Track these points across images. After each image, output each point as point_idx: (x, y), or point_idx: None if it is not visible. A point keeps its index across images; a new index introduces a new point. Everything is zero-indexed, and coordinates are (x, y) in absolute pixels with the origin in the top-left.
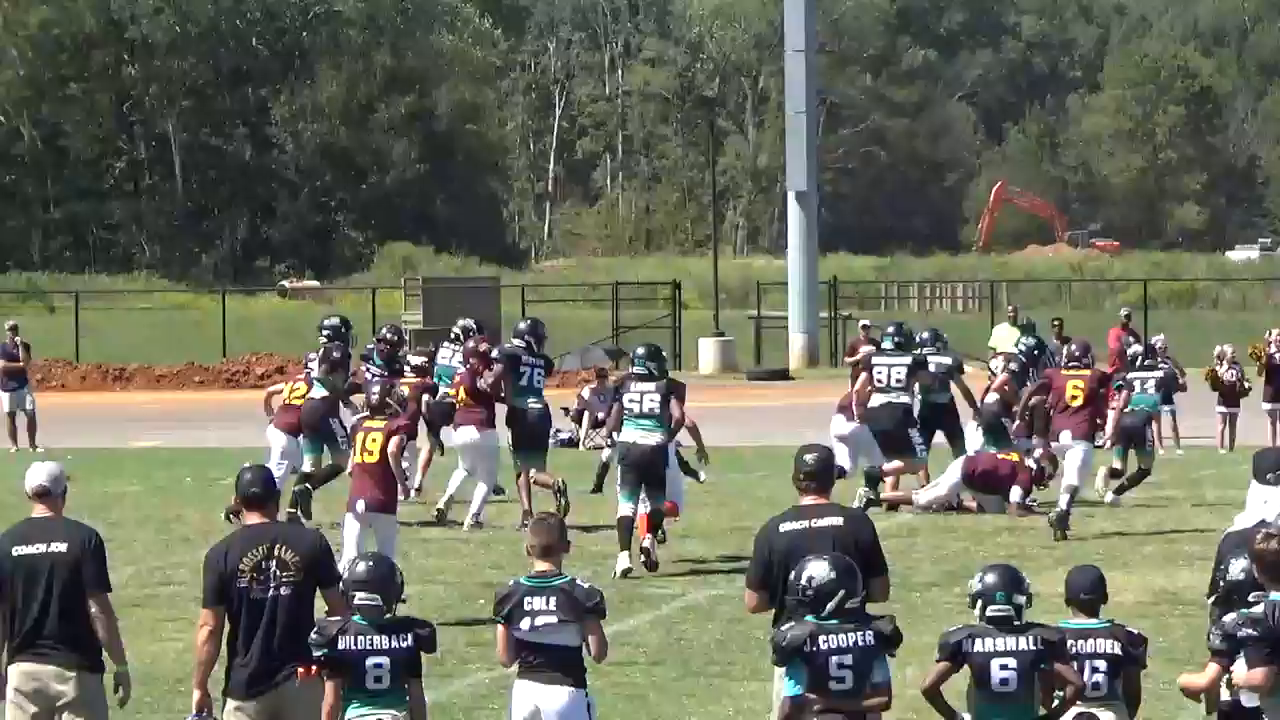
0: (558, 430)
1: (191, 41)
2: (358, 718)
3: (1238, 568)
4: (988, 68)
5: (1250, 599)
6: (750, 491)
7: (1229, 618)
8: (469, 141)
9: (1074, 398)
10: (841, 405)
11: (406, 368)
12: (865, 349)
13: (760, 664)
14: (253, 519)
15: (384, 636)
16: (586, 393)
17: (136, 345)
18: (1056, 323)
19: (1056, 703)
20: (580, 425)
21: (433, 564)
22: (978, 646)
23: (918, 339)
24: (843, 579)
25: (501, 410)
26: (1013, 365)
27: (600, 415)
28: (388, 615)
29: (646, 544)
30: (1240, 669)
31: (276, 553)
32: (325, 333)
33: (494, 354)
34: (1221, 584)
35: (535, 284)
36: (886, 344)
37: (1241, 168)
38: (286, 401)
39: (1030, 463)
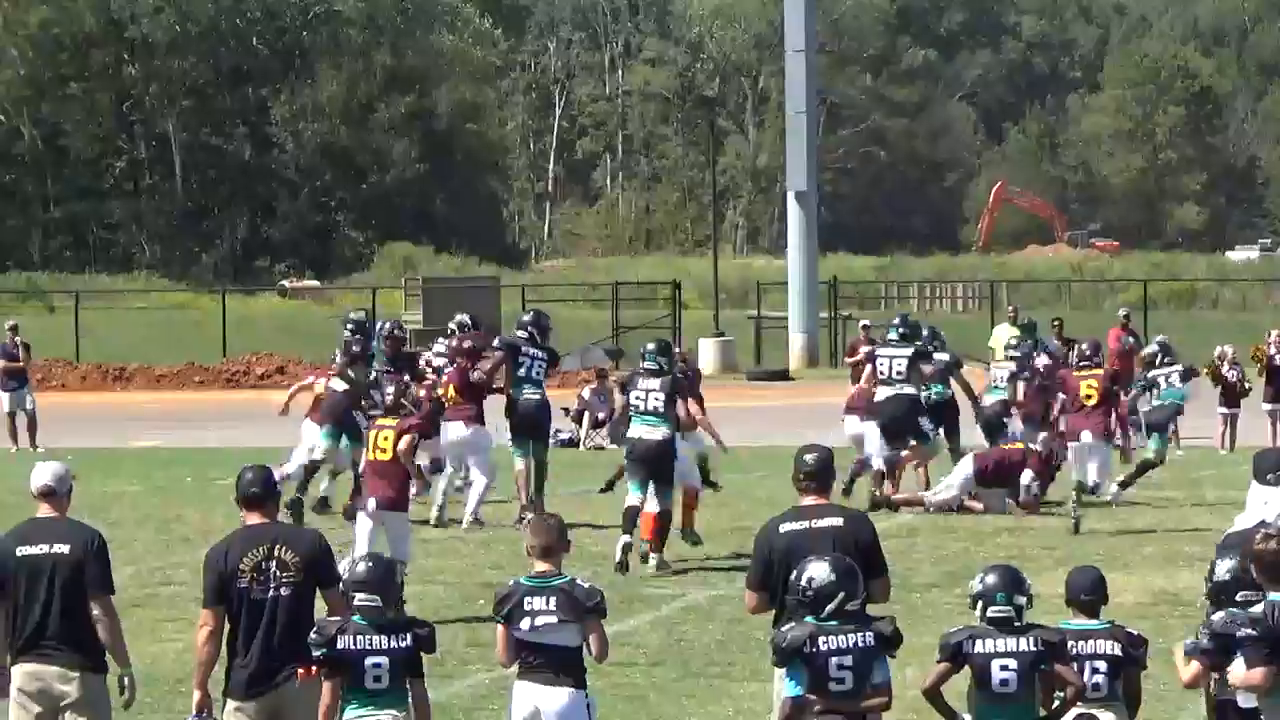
0: (558, 430)
1: (191, 41)
2: (357, 718)
3: (1224, 568)
4: (988, 68)
5: (1238, 599)
6: (750, 492)
7: (1216, 617)
8: (469, 141)
9: (1088, 397)
10: (851, 406)
11: (428, 370)
12: (865, 349)
13: (760, 665)
14: (252, 519)
15: (383, 636)
16: (587, 393)
17: (136, 345)
18: (1056, 323)
19: (1057, 704)
20: (580, 425)
21: (432, 564)
22: (978, 647)
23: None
24: (843, 581)
25: (498, 404)
26: (1024, 377)
27: (600, 415)
28: (388, 615)
29: (646, 549)
30: (1238, 668)
31: (277, 553)
32: (349, 326)
33: (494, 343)
34: (1208, 584)
35: (535, 284)
36: (891, 335)
37: (1241, 168)
38: (319, 395)
39: (1037, 446)
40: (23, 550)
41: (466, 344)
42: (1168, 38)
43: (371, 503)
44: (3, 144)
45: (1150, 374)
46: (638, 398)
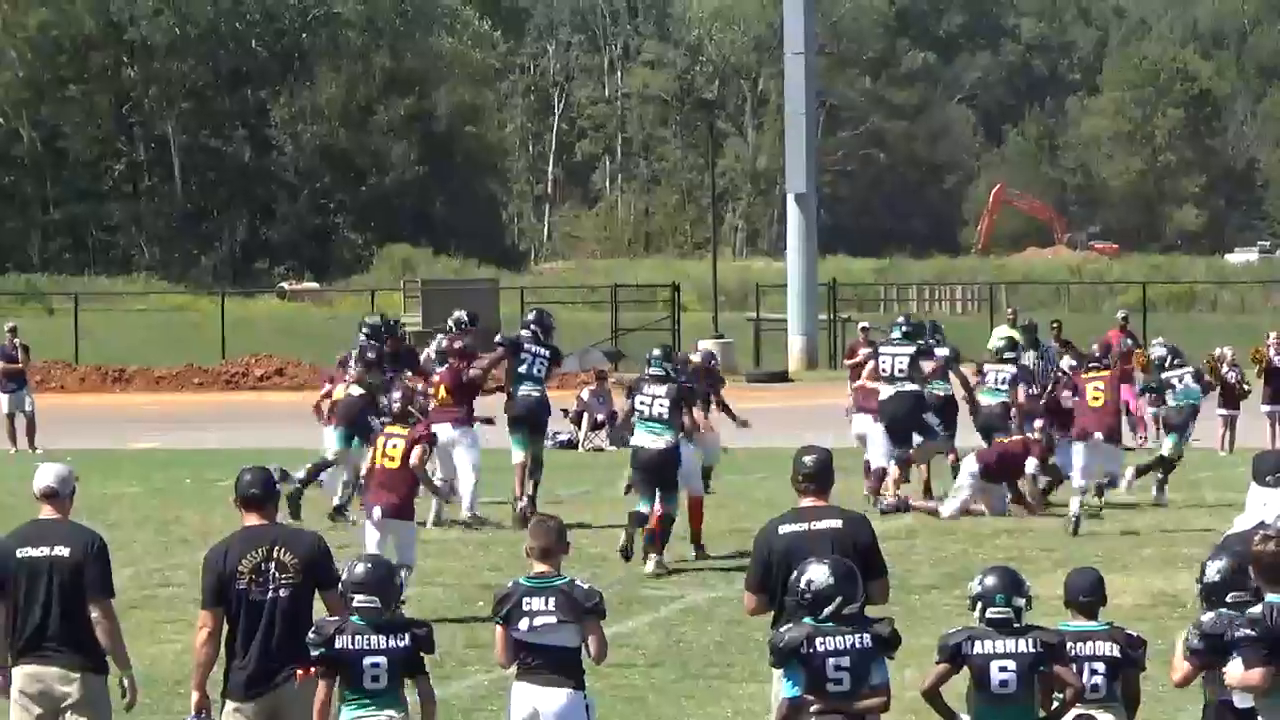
0: (557, 432)
1: (191, 43)
2: (356, 719)
3: (1214, 569)
4: (987, 70)
5: (1228, 600)
6: (749, 493)
7: (1206, 618)
8: (468, 143)
9: (1095, 399)
10: (861, 406)
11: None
12: (864, 351)
13: (759, 666)
14: (251, 521)
15: (381, 636)
16: (586, 394)
17: (135, 347)
18: (1055, 325)
19: (1056, 705)
20: (579, 427)
21: (431, 565)
22: (977, 648)
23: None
24: (841, 584)
25: (494, 403)
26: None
27: (599, 417)
28: (386, 616)
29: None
30: (1236, 668)
31: (275, 555)
32: (365, 331)
33: (495, 340)
34: (1199, 585)
35: (534, 286)
36: (895, 333)
37: (1240, 170)
38: (336, 400)
39: (1036, 435)
40: (23, 552)
41: (458, 344)
42: (1167, 40)
43: (377, 511)
44: (2, 146)
45: (1162, 375)
46: (643, 403)
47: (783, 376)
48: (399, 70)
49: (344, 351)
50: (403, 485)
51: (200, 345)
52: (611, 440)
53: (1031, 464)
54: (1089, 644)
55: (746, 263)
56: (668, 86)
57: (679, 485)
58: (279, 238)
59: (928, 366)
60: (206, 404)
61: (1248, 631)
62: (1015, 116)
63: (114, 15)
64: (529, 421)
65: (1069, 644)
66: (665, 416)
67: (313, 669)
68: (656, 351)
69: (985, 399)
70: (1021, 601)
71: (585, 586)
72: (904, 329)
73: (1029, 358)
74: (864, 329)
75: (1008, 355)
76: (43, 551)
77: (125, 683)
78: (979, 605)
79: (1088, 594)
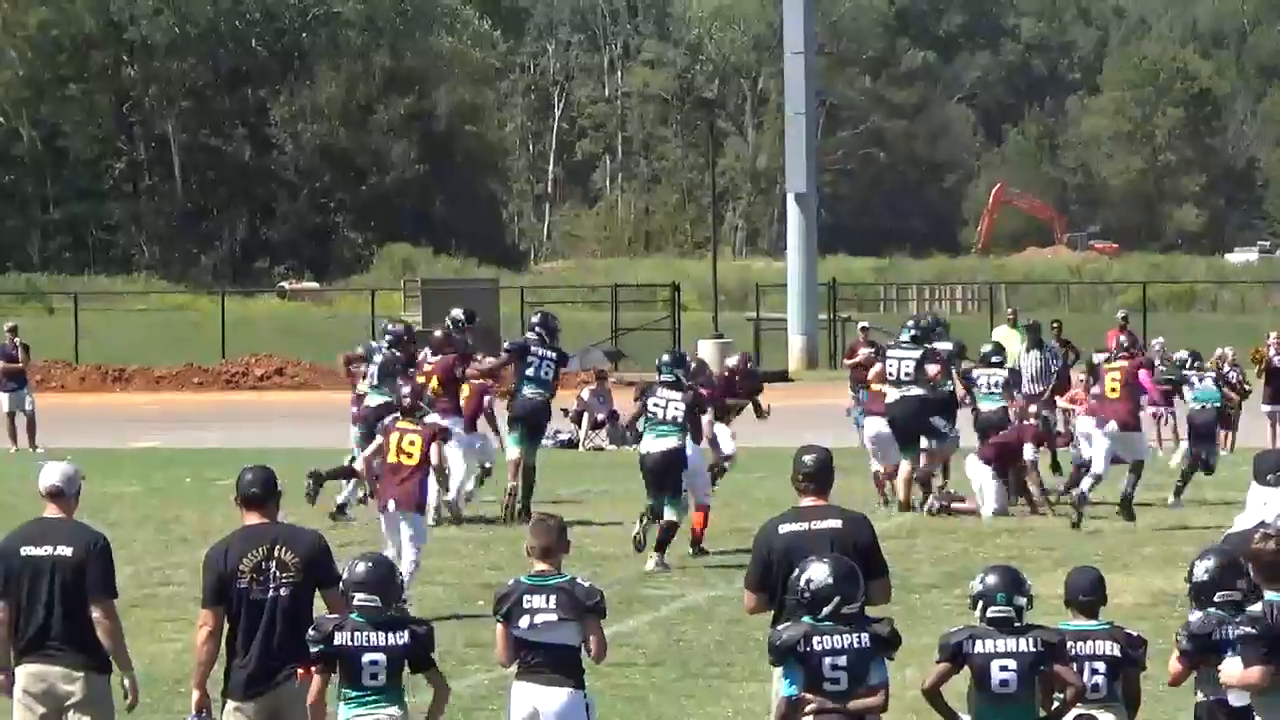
0: (557, 431)
1: (191, 42)
2: (353, 716)
3: (1202, 568)
4: (987, 69)
5: (1216, 599)
6: (749, 492)
7: (1194, 618)
8: (468, 143)
9: (1112, 389)
10: (869, 410)
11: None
12: (864, 351)
13: (759, 665)
14: (252, 519)
15: (380, 633)
16: (586, 394)
17: (135, 346)
18: (1056, 324)
19: (1056, 704)
20: (580, 426)
21: (431, 564)
22: (978, 648)
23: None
24: (840, 584)
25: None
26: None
27: (599, 416)
28: (386, 614)
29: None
30: (1233, 666)
31: (276, 553)
32: (388, 338)
33: (505, 346)
34: (1188, 584)
35: (534, 285)
36: (903, 336)
37: (1240, 170)
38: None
39: (1032, 420)
40: (26, 550)
41: (449, 356)
42: (1167, 40)
43: (391, 504)
44: (2, 145)
45: (1183, 372)
46: (656, 405)
47: (783, 376)
48: (399, 69)
49: (361, 348)
50: (416, 479)
51: (200, 345)
52: (612, 439)
53: (1029, 450)
54: (1089, 643)
55: (746, 262)
56: (668, 86)
57: (687, 488)
58: (279, 237)
59: (932, 370)
60: (206, 403)
61: (1248, 629)
62: (1015, 116)
63: (114, 14)
64: (528, 422)
65: (1069, 643)
66: (680, 419)
67: (313, 667)
68: (666, 358)
69: (982, 405)
70: (1022, 601)
71: (586, 585)
72: (912, 332)
73: (1033, 357)
74: (864, 328)
75: (995, 360)
76: (46, 551)
77: (126, 683)
78: (980, 604)
79: (1088, 593)
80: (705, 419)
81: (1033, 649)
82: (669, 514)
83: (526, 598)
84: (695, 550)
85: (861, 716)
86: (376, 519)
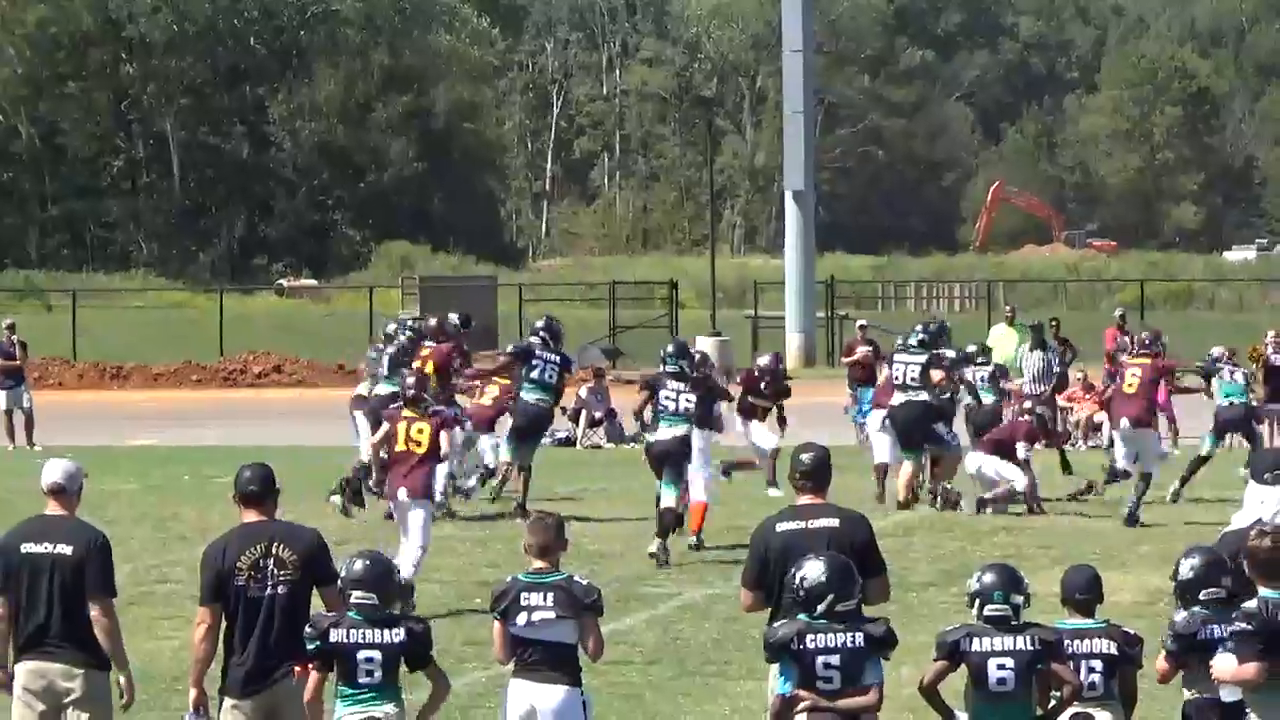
0: (554, 429)
1: (189, 40)
2: (348, 714)
3: (1187, 566)
4: (985, 68)
5: (1201, 597)
6: (746, 490)
7: (1179, 618)
8: (467, 140)
9: (1130, 385)
10: (877, 402)
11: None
12: (862, 349)
13: (756, 663)
14: (250, 517)
15: (376, 630)
16: (584, 392)
17: (133, 344)
18: (1054, 323)
19: (1053, 703)
20: (577, 424)
21: (429, 562)
22: (975, 646)
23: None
24: (834, 582)
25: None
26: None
27: (597, 414)
28: (384, 612)
29: (655, 547)
30: (1226, 662)
31: (274, 551)
32: (409, 331)
33: (508, 349)
34: (1173, 583)
35: (532, 283)
36: (912, 340)
37: (1238, 168)
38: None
39: (1027, 416)
40: (26, 548)
41: (446, 344)
42: (1165, 38)
43: (402, 492)
44: (0, 142)
45: (1214, 365)
46: (668, 398)
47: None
48: (397, 67)
49: (384, 345)
50: (426, 468)
51: (198, 342)
52: (609, 437)
53: (1022, 449)
54: (1086, 642)
55: (744, 260)
56: (666, 84)
57: (698, 483)
58: (277, 234)
59: (937, 376)
60: (204, 401)
61: (1244, 625)
62: (1013, 114)
63: (112, 12)
64: (527, 432)
65: (1066, 642)
66: (691, 411)
67: (309, 665)
68: (671, 348)
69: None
70: (1020, 599)
71: (584, 583)
72: (920, 337)
73: (1036, 357)
74: (862, 326)
75: (980, 360)
76: (45, 548)
77: (121, 681)
78: (977, 602)
79: (1084, 591)
80: (721, 407)
81: (1030, 647)
82: (667, 497)
83: (524, 595)
84: (696, 543)
85: (856, 716)
86: (375, 517)
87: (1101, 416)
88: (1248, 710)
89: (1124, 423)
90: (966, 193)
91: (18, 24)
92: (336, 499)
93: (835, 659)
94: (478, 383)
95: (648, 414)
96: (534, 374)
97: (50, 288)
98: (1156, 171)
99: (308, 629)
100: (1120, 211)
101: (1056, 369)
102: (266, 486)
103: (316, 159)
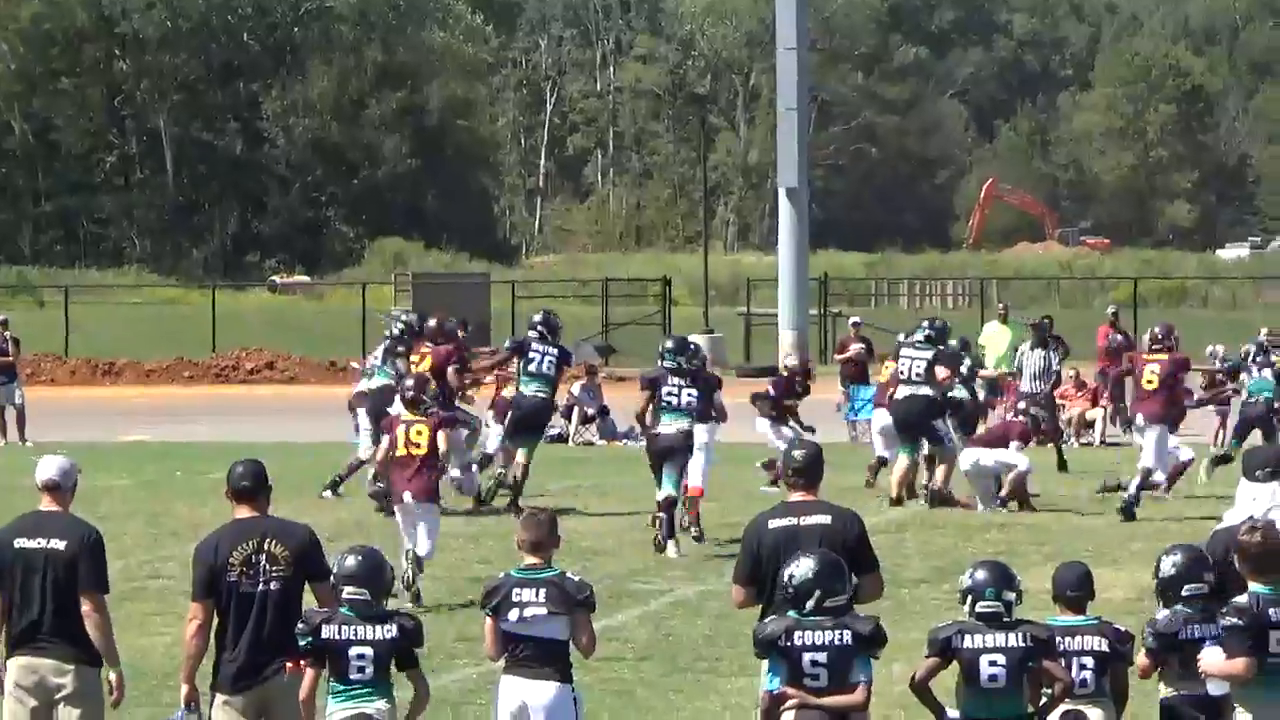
0: (550, 426)
1: (182, 36)
2: (340, 710)
3: (1169, 563)
4: (979, 65)
5: (1183, 593)
6: (740, 486)
7: (1160, 616)
8: (460, 137)
9: (1149, 381)
10: (878, 403)
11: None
12: (855, 346)
13: (748, 660)
14: (242, 513)
15: (368, 626)
16: (576, 389)
17: (126, 340)
18: (1047, 320)
19: (1044, 699)
20: (570, 421)
21: None
22: (967, 642)
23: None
24: (822, 578)
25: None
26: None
27: (590, 411)
28: (376, 608)
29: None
30: (1213, 656)
31: (266, 547)
32: (401, 324)
33: (505, 344)
34: (1155, 580)
35: (526, 280)
36: (918, 335)
37: (1232, 166)
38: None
39: (1021, 416)
40: (20, 543)
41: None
42: (1159, 36)
43: (408, 496)
44: None
45: (1246, 359)
46: (670, 393)
47: (773, 371)
48: (391, 64)
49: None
50: (431, 469)
51: (191, 338)
52: (602, 435)
53: (1014, 447)
54: (1077, 639)
55: (738, 257)
56: (660, 81)
57: (696, 475)
58: (270, 231)
59: (943, 373)
60: (197, 397)
61: (1234, 620)
62: (1007, 112)
63: (106, 8)
64: (527, 426)
65: (1057, 638)
66: (695, 406)
67: (301, 661)
68: (670, 344)
69: (955, 392)
70: (1012, 596)
71: (576, 579)
72: (926, 332)
73: (1036, 355)
74: (855, 324)
75: (965, 357)
76: (39, 544)
77: (112, 678)
78: (969, 599)
79: (1075, 588)
80: (721, 396)
81: (1022, 644)
82: (667, 488)
83: (516, 591)
84: (695, 531)
85: (844, 714)
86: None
87: (1094, 414)
88: (1234, 704)
89: (1139, 419)
90: (960, 190)
91: (11, 20)
92: (329, 494)
93: (822, 656)
94: (478, 386)
95: (649, 415)
96: (531, 366)
97: (43, 283)
98: (1150, 169)
99: (300, 625)
100: (1114, 209)
101: (1056, 368)
102: (259, 482)
103: (310, 155)
